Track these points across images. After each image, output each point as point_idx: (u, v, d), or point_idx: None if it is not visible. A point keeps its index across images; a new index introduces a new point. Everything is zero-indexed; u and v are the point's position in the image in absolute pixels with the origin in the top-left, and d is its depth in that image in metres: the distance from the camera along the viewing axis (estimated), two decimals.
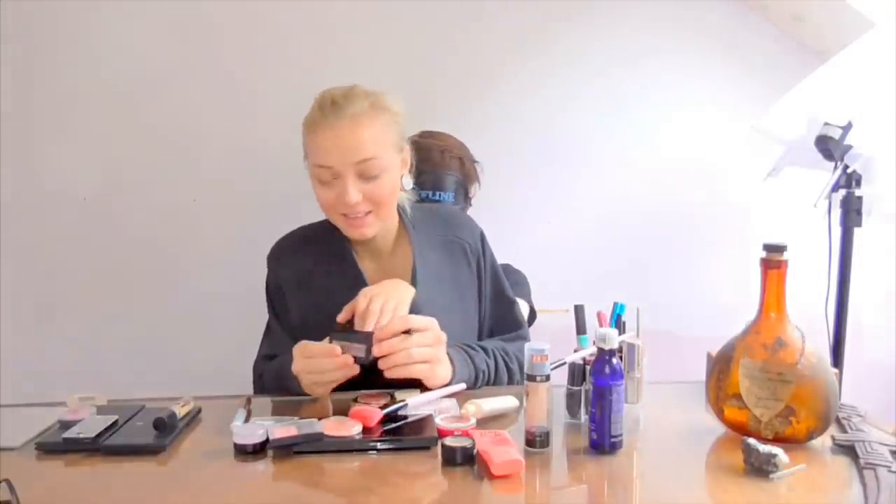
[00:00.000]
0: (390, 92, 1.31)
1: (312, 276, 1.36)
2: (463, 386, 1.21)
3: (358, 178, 1.25)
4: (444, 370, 1.20)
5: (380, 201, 1.28)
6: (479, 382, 1.27)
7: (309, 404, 1.20)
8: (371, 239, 1.34)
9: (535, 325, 1.75)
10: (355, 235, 1.31)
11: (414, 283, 1.32)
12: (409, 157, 1.35)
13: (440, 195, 1.70)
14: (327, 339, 1.18)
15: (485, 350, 1.32)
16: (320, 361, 1.16)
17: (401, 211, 1.40)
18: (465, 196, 1.80)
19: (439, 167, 1.72)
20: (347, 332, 1.19)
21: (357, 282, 1.32)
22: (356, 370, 1.16)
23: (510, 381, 1.33)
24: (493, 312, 1.42)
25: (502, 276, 1.45)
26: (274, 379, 1.29)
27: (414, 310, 1.24)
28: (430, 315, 1.21)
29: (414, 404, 1.11)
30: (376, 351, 1.14)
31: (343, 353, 1.15)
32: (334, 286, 1.32)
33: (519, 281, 1.75)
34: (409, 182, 1.35)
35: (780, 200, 2.02)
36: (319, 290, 1.34)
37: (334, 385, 1.18)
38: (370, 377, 1.18)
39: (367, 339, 1.15)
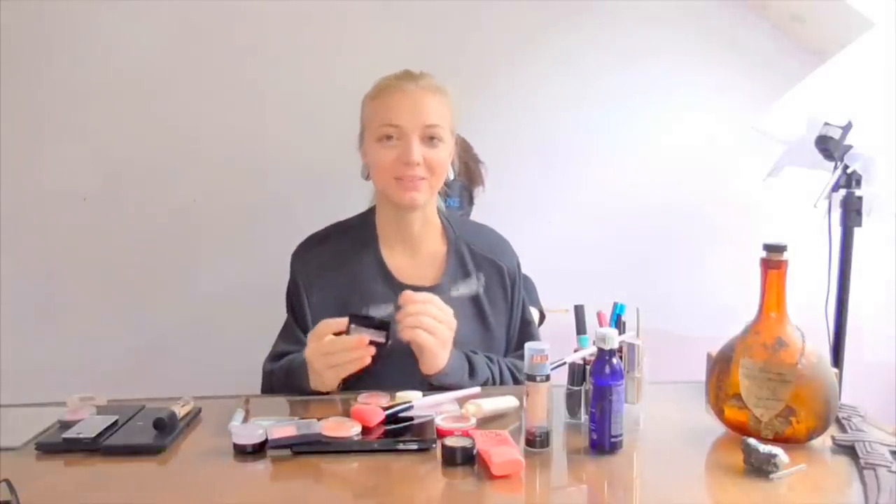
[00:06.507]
0: None
1: (336, 264, 1.37)
2: (477, 389, 1.19)
3: (420, 141, 1.30)
4: (441, 355, 1.21)
5: (435, 169, 1.32)
6: (478, 382, 1.26)
7: (318, 404, 1.20)
8: (408, 225, 1.37)
9: None
10: (406, 199, 1.32)
11: (439, 279, 1.36)
12: (454, 150, 1.39)
13: (445, 199, 1.69)
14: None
15: (489, 358, 1.33)
16: (337, 341, 1.17)
17: (438, 211, 1.43)
18: (469, 199, 1.78)
19: None
20: (366, 318, 1.20)
21: (380, 269, 1.36)
22: (372, 351, 1.16)
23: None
24: (518, 338, 1.44)
25: (527, 303, 1.47)
26: (284, 375, 1.27)
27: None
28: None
29: (419, 406, 1.11)
30: (401, 301, 1.20)
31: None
32: (356, 272, 1.35)
33: (528, 287, 1.75)
34: (451, 172, 1.39)
35: (780, 200, 2.02)
36: (342, 276, 1.36)
37: (348, 372, 1.18)
38: (378, 372, 1.19)
39: (385, 326, 1.17)
